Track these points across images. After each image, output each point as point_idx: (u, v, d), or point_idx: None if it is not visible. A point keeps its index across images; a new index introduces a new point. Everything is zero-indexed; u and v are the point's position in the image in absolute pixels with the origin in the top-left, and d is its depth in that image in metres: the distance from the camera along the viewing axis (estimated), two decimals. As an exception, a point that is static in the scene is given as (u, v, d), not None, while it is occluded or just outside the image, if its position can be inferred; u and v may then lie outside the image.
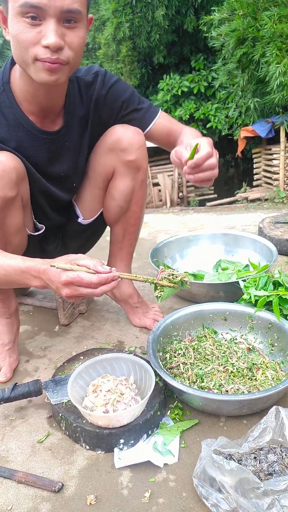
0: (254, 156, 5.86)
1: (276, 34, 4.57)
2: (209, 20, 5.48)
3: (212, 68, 6.62)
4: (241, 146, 5.89)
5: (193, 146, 0.99)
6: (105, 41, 7.12)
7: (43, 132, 1.16)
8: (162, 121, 1.33)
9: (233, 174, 8.79)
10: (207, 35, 5.57)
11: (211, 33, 5.39)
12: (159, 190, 6.36)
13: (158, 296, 1.08)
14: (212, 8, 5.58)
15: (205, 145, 1.01)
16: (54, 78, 0.99)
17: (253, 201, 5.03)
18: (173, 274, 1.09)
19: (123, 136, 1.24)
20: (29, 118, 1.13)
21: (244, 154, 6.39)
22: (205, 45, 6.45)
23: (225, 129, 6.48)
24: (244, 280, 1.38)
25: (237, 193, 5.64)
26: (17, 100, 1.12)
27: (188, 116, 6.98)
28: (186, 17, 6.43)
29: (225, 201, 5.59)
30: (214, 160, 1.00)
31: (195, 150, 0.99)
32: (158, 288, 1.09)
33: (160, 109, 1.34)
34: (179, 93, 6.92)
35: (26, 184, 1.17)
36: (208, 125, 6.76)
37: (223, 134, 6.66)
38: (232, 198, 5.57)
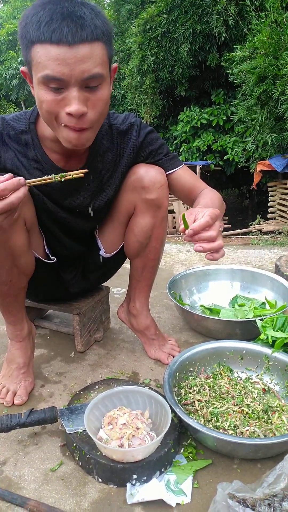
0: (269, 189, 5.93)
1: (297, 74, 4.70)
2: (231, 57, 5.66)
3: (231, 103, 6.79)
4: (257, 179, 5.98)
5: (181, 218, 0.97)
6: (129, 72, 7.36)
7: (61, 171, 1.17)
8: (184, 173, 1.34)
9: (248, 206, 8.86)
10: (228, 71, 5.74)
11: (233, 70, 5.56)
12: (174, 217, 6.42)
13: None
14: (235, 46, 5.77)
15: (205, 216, 0.95)
16: (80, 143, 1.03)
17: (266, 233, 5.06)
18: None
19: (145, 175, 1.27)
20: (49, 157, 1.17)
21: (260, 187, 6.47)
22: (226, 81, 6.63)
23: (241, 161, 6.59)
24: (261, 319, 1.39)
25: (251, 224, 5.68)
26: (41, 139, 1.17)
27: (206, 147, 7.12)
28: (209, 53, 6.65)
29: (239, 232, 5.63)
30: (213, 233, 0.93)
31: (186, 221, 0.96)
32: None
33: (184, 164, 1.37)
34: (198, 125, 7.08)
35: (29, 208, 1.19)
36: (225, 157, 6.88)
37: (239, 166, 6.76)
38: (246, 230, 5.61)
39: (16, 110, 13.99)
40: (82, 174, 1.01)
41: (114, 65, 1.06)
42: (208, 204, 1.16)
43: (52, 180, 1.00)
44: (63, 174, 1.01)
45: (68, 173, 1.01)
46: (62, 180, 1.01)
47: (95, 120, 1.01)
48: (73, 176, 1.01)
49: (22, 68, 1.04)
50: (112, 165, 1.28)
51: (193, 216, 0.98)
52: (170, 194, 1.37)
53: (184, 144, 7.47)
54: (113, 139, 1.26)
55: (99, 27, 0.93)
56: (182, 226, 0.97)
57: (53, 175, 1.00)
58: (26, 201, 1.16)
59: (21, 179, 0.92)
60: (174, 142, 7.68)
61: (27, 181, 0.94)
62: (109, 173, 1.28)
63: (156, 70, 7.00)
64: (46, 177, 0.99)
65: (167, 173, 1.31)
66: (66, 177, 1.01)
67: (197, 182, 1.35)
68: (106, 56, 0.97)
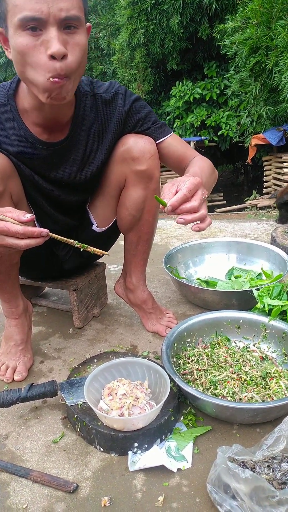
0: (264, 163, 5.87)
1: (290, 44, 4.60)
2: (223, 28, 5.52)
3: (224, 76, 6.66)
4: (251, 153, 5.91)
5: (157, 199, 0.93)
6: (119, 47, 7.18)
7: (42, 143, 1.16)
8: (174, 141, 1.30)
9: (243, 181, 8.81)
10: (220, 43, 5.60)
11: (225, 41, 5.43)
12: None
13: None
14: (226, 16, 5.62)
15: (183, 188, 0.92)
16: (61, 95, 0.99)
17: (262, 208, 5.04)
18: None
19: (135, 145, 1.24)
20: (30, 130, 1.14)
21: (255, 162, 6.41)
22: (218, 53, 6.48)
23: (236, 136, 6.50)
24: (257, 289, 1.39)
25: (247, 200, 5.65)
26: (21, 112, 1.13)
27: (199, 123, 7.01)
28: (200, 25, 6.47)
29: (234, 208, 5.60)
30: (194, 203, 0.90)
31: (160, 200, 0.92)
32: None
33: (173, 132, 1.33)
34: (191, 99, 6.96)
35: (15, 182, 1.17)
36: (219, 132, 6.79)
37: (234, 141, 6.68)
38: (241, 205, 5.59)
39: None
40: (102, 254, 1.06)
41: (88, 24, 1.02)
42: (197, 172, 1.13)
43: (72, 244, 1.05)
44: (84, 245, 1.06)
45: (89, 246, 1.07)
46: (81, 250, 1.07)
47: (75, 67, 0.97)
48: (93, 251, 1.06)
49: None
50: (97, 136, 1.24)
51: (174, 188, 0.95)
52: (162, 166, 1.34)
53: (177, 120, 7.34)
54: (97, 108, 1.22)
55: None
56: (161, 205, 0.93)
57: (76, 242, 1.05)
58: (12, 174, 1.14)
59: (44, 231, 0.94)
60: (167, 118, 7.56)
61: (50, 234, 0.97)
62: (94, 145, 1.25)
63: (146, 44, 6.83)
64: (67, 239, 1.03)
65: (157, 142, 1.28)
66: (86, 249, 1.06)
67: (187, 150, 1.32)
68: (82, 2, 0.96)
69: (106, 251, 1.63)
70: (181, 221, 0.92)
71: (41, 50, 0.92)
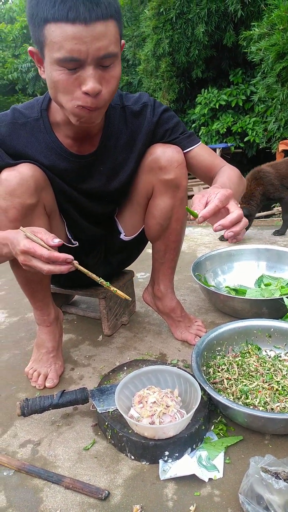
0: (292, 169, 5.77)
1: None
2: (249, 35, 5.50)
3: (250, 82, 6.63)
4: (279, 159, 5.83)
5: (188, 210, 0.97)
6: (145, 57, 7.27)
7: (73, 156, 1.19)
8: (202, 151, 1.31)
9: (270, 188, 8.68)
10: (246, 50, 5.59)
11: (251, 48, 5.41)
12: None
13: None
14: (252, 24, 5.61)
15: (215, 200, 0.95)
16: (91, 120, 1.02)
17: (291, 215, 4.95)
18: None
19: (162, 155, 1.25)
20: (61, 143, 1.17)
21: (282, 168, 6.32)
22: (244, 60, 6.47)
23: (263, 142, 6.45)
24: (288, 297, 1.37)
25: (274, 206, 5.57)
26: (53, 125, 1.17)
27: (225, 130, 7.00)
28: (226, 32, 6.49)
29: (262, 215, 5.53)
30: (239, 211, 0.94)
31: (191, 211, 0.96)
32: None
33: (201, 141, 1.34)
34: (217, 106, 6.96)
35: (48, 193, 1.20)
36: (245, 139, 6.75)
37: (260, 147, 6.62)
38: (269, 212, 5.50)
39: (32, 103, 14.07)
40: (125, 298, 1.06)
41: (122, 41, 1.04)
42: (225, 183, 1.14)
43: (97, 280, 1.06)
44: (107, 284, 1.07)
45: (115, 289, 1.08)
46: (111, 288, 1.08)
47: (107, 99, 1.00)
48: (116, 292, 1.07)
49: (30, 48, 1.01)
50: (126, 147, 1.26)
51: (204, 199, 0.98)
52: (189, 174, 1.35)
53: (203, 127, 7.35)
54: (126, 120, 1.25)
55: (112, 4, 0.91)
56: (191, 216, 0.97)
57: (100, 278, 1.06)
58: (45, 185, 1.18)
59: (69, 257, 0.96)
60: (193, 126, 7.57)
61: (75, 262, 0.99)
62: (123, 156, 1.27)
63: (171, 53, 6.89)
64: (92, 274, 1.04)
65: (185, 151, 1.29)
66: (110, 289, 1.08)
67: (215, 159, 1.33)
68: (118, 33, 0.96)
69: (134, 260, 1.66)
70: (230, 234, 0.94)
71: (76, 84, 0.95)
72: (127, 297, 1.07)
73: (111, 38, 0.92)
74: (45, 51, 0.94)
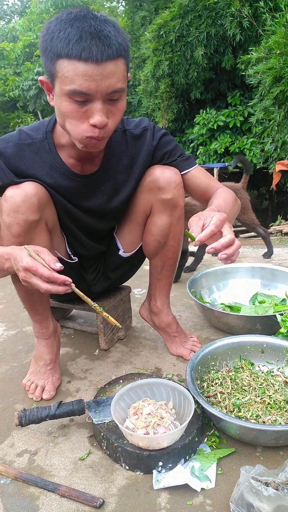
0: (289, 189, 5.87)
1: (313, 73, 4.67)
2: (247, 59, 5.66)
3: (248, 104, 6.78)
4: (276, 179, 5.94)
5: (187, 233, 1.04)
6: (144, 77, 7.44)
7: (76, 175, 1.25)
8: (199, 173, 1.37)
9: (267, 207, 8.79)
10: (244, 73, 5.74)
11: (248, 71, 5.56)
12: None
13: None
14: (249, 48, 5.78)
15: (211, 224, 1.01)
16: (96, 147, 1.10)
17: (287, 234, 5.02)
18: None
19: (161, 176, 1.31)
20: (65, 163, 1.23)
21: (279, 188, 6.43)
22: (242, 82, 6.63)
23: (260, 162, 6.56)
24: (281, 314, 1.41)
25: (272, 225, 5.64)
26: (57, 146, 1.23)
27: (223, 150, 7.12)
28: (224, 55, 6.66)
29: (251, 235, 5.59)
30: (231, 236, 1.00)
31: (190, 234, 1.02)
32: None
33: (198, 164, 1.40)
34: (215, 127, 7.09)
35: (51, 210, 1.26)
36: (243, 159, 6.86)
37: (258, 167, 6.74)
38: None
39: (33, 120, 14.24)
40: (115, 324, 1.13)
41: (128, 74, 1.11)
42: (221, 204, 1.20)
43: (91, 305, 1.12)
44: (101, 309, 1.15)
45: (107, 314, 1.14)
46: (103, 314, 1.14)
47: (113, 128, 1.08)
48: (108, 318, 1.14)
49: (41, 77, 1.08)
50: (127, 168, 1.33)
51: (201, 222, 1.04)
52: (186, 195, 1.41)
53: (201, 147, 7.48)
54: (127, 143, 1.31)
55: (122, 44, 0.98)
56: (189, 238, 1.04)
57: (94, 304, 1.13)
58: (48, 203, 1.23)
59: (67, 280, 1.02)
60: (191, 145, 7.70)
61: (72, 284, 1.04)
62: (123, 176, 1.33)
63: (171, 75, 7.06)
64: (88, 298, 1.11)
65: (182, 173, 1.35)
66: (103, 314, 1.14)
67: (211, 181, 1.39)
68: (126, 71, 1.03)
69: (132, 275, 1.70)
70: (223, 257, 1.00)
71: (84, 116, 1.02)
72: (118, 323, 1.12)
73: (119, 76, 0.99)
74: (55, 82, 1.00)
